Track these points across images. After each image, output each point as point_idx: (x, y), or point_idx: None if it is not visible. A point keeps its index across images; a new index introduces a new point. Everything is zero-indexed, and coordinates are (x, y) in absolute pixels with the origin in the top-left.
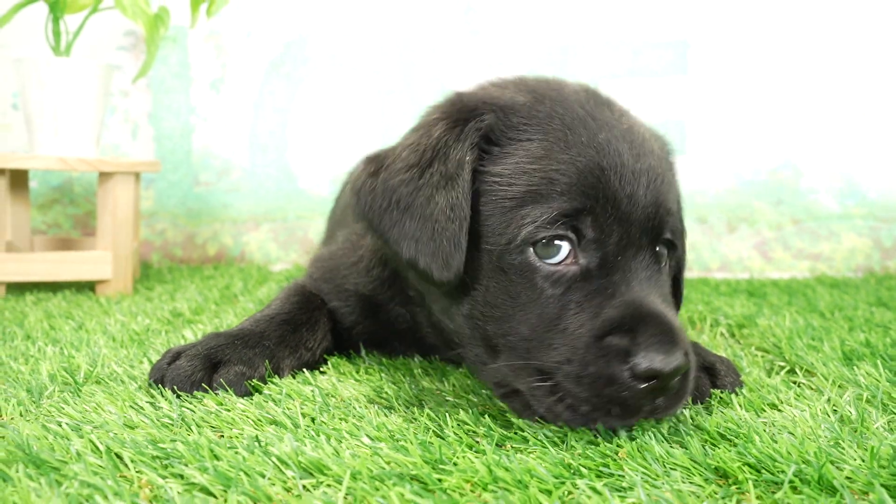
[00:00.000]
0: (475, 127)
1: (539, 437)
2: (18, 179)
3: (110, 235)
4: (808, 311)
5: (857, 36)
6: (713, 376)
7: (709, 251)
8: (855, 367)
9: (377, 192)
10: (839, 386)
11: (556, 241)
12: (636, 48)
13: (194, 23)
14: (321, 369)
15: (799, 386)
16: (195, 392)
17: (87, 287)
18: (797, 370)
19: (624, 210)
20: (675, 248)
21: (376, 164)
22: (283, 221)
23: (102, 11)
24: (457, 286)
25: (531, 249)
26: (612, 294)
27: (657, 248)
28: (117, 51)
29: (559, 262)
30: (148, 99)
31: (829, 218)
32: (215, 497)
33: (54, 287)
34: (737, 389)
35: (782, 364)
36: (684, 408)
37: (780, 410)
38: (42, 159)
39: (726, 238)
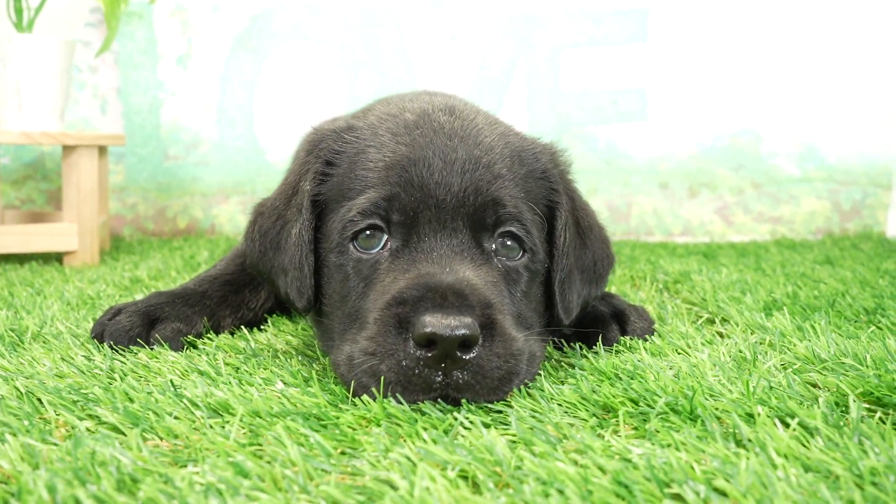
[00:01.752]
0: (315, 155)
1: None
2: None
3: (75, 208)
4: (751, 269)
5: (813, 3)
6: (623, 323)
7: (671, 216)
8: (771, 316)
9: (256, 239)
10: (749, 332)
11: (372, 231)
12: (597, 17)
13: None
14: (262, 327)
15: (711, 333)
16: (132, 346)
17: (56, 259)
18: (717, 320)
19: (432, 194)
20: (508, 223)
21: (255, 213)
22: (252, 194)
23: None
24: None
25: (352, 245)
26: (408, 270)
27: (484, 236)
28: (85, 27)
29: (377, 251)
30: (116, 75)
31: (788, 182)
32: (124, 434)
33: (23, 259)
34: (647, 336)
35: (704, 314)
36: (525, 385)
37: (687, 354)
38: (6, 134)
39: (688, 203)
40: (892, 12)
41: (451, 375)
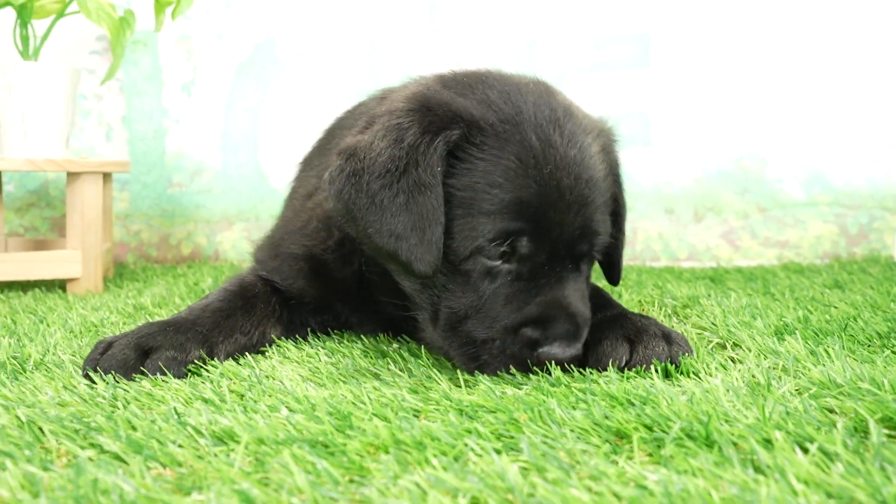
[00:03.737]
0: (444, 140)
1: (454, 409)
2: None
3: (79, 235)
4: (760, 293)
5: (817, 26)
6: (669, 343)
7: (676, 241)
8: (783, 341)
9: (361, 191)
10: (762, 357)
11: (498, 248)
12: (599, 42)
13: (159, 26)
14: (266, 353)
15: (724, 358)
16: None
17: (59, 286)
18: (727, 344)
19: (554, 235)
20: (594, 254)
21: (354, 163)
22: (255, 220)
23: (74, 16)
24: None
25: (479, 255)
26: (535, 295)
27: (581, 261)
28: (90, 55)
29: (499, 262)
30: (121, 102)
31: (794, 206)
32: (126, 463)
33: (26, 286)
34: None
35: (715, 339)
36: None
37: (699, 379)
38: (10, 161)
39: (693, 228)
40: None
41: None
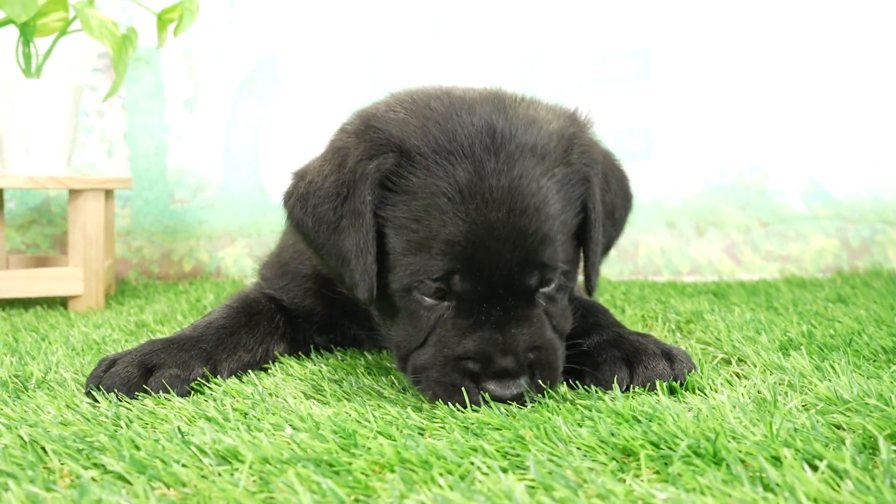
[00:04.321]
0: (377, 168)
1: (459, 427)
2: None
3: (81, 252)
4: (763, 307)
5: (817, 40)
6: (671, 361)
7: (678, 255)
8: (789, 356)
9: (308, 213)
10: (768, 372)
11: (436, 290)
12: (600, 57)
13: (162, 42)
14: (269, 371)
15: (729, 374)
16: (136, 394)
17: (60, 303)
18: (732, 360)
19: (487, 273)
20: (551, 278)
21: (303, 186)
22: (257, 236)
23: (77, 34)
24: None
25: (414, 291)
26: (474, 331)
27: (532, 295)
28: (92, 72)
29: (434, 300)
30: (123, 119)
31: (796, 219)
32: (130, 483)
33: (28, 303)
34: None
35: (720, 354)
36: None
37: (705, 396)
38: (12, 178)
39: (695, 242)
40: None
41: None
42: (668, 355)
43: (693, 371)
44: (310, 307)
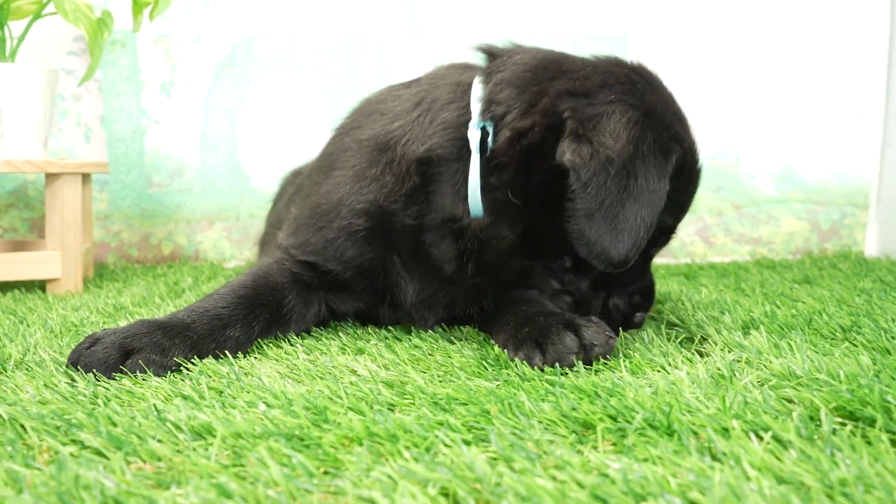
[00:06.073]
0: (674, 160)
1: (429, 402)
2: None
3: (59, 235)
4: (731, 288)
5: (790, 25)
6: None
7: None
8: (749, 336)
9: (612, 174)
10: (727, 350)
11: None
12: (576, 42)
13: (137, 27)
14: (246, 352)
15: (691, 352)
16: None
17: (39, 286)
18: (696, 339)
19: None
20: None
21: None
22: (235, 220)
23: (51, 17)
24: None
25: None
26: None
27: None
28: (68, 56)
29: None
30: (99, 103)
31: (767, 203)
32: (107, 458)
33: (5, 287)
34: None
35: (683, 334)
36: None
37: (666, 372)
38: None
39: None
40: (864, 34)
41: None
42: (577, 331)
43: (604, 349)
44: (353, 257)
